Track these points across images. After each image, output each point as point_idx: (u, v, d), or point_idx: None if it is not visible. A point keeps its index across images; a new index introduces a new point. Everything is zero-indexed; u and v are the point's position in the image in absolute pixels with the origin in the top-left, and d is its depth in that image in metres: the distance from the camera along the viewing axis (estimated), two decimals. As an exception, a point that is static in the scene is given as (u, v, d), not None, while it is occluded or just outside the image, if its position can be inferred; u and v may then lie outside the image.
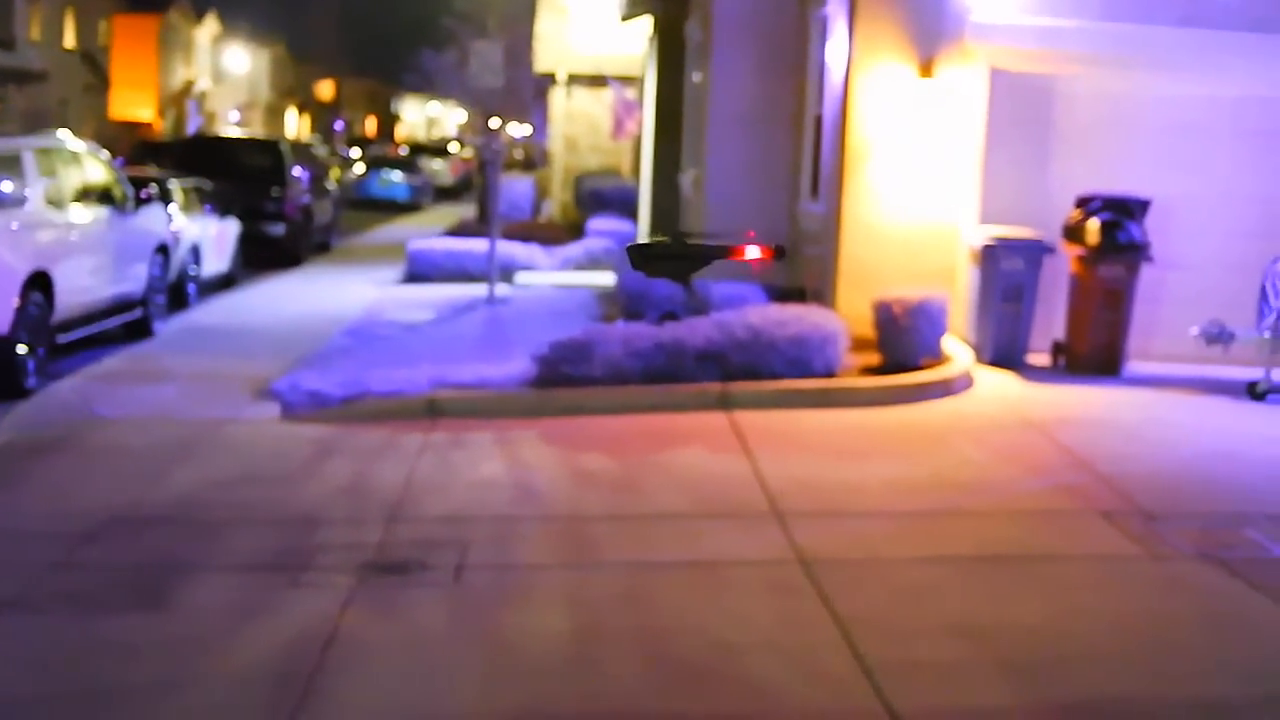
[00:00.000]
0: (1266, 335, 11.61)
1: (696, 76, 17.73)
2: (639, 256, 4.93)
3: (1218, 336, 11.59)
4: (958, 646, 5.81)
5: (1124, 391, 11.54)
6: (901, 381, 11.01)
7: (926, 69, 12.50)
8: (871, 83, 12.56)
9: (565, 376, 10.56)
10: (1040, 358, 12.42)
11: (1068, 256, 12.34)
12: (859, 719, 5.11)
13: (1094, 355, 12.19)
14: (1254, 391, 11.52)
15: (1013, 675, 5.53)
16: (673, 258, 4.89)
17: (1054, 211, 12.48)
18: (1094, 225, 12.00)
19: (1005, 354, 12.21)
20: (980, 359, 12.11)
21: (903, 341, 11.57)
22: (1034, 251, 12.13)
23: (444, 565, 6.73)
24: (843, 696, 5.29)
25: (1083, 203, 12.23)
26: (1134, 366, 12.26)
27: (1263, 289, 11.88)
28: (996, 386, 11.47)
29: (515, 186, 30.99)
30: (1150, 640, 6.02)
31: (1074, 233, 12.24)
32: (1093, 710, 5.23)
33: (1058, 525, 7.75)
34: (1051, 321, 12.43)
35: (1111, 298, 12.17)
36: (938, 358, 11.69)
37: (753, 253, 4.49)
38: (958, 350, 12.06)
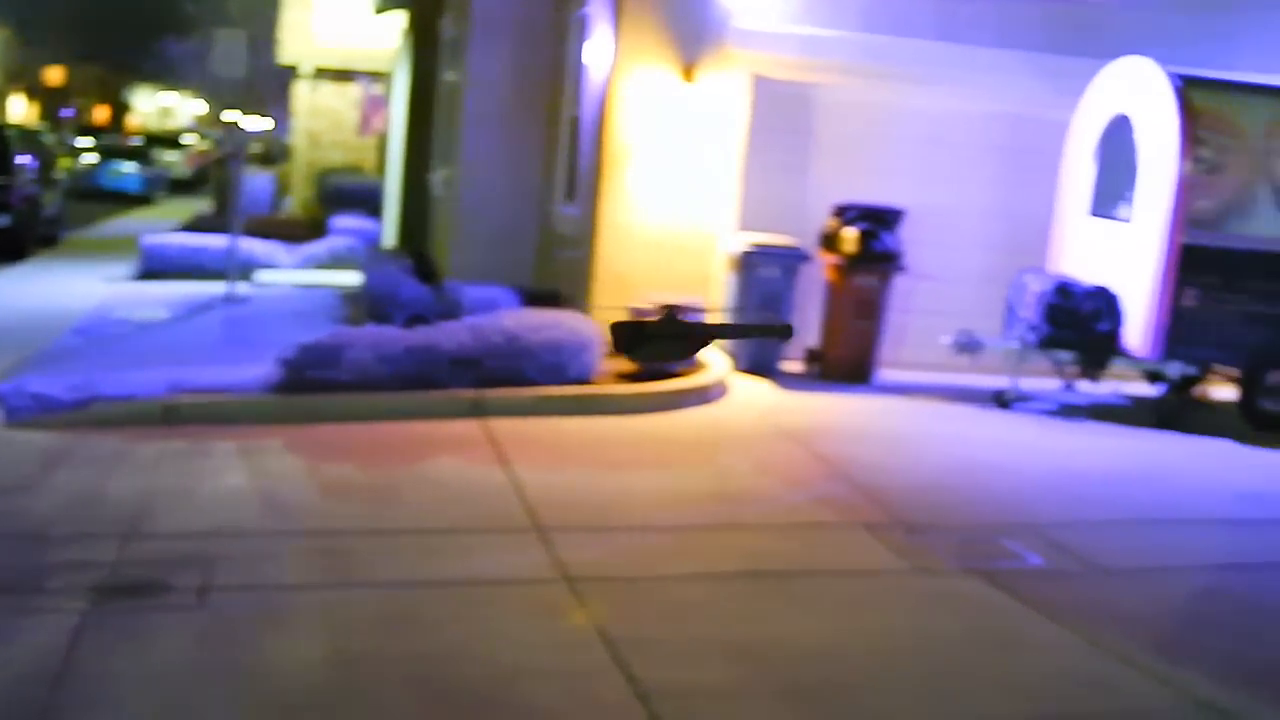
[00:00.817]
0: (1013, 345, 11.84)
1: (450, 74, 17.34)
2: (631, 338, 4.27)
3: (967, 346, 11.76)
4: (733, 669, 5.62)
5: (877, 400, 11.62)
6: (658, 389, 10.84)
7: (689, 74, 12.38)
8: (633, 86, 12.39)
9: (312, 381, 10.08)
10: (795, 365, 12.44)
11: (824, 264, 12.39)
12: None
13: (847, 363, 12.27)
14: (1001, 400, 11.73)
15: (791, 700, 5.35)
16: (670, 338, 4.27)
17: (812, 219, 12.52)
18: (850, 234, 12.07)
19: (761, 361, 12.18)
20: (736, 366, 12.05)
21: (658, 348, 11.42)
22: (791, 259, 12.14)
23: (187, 586, 6.25)
24: (620, 727, 5.05)
25: (840, 212, 12.29)
26: (886, 374, 12.38)
27: (1009, 301, 12.12)
28: (752, 394, 11.41)
29: (255, 181, 30.02)
30: (926, 660, 5.93)
31: (830, 241, 12.29)
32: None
33: (822, 539, 7.65)
34: (806, 329, 12.45)
35: (865, 306, 12.26)
36: (694, 365, 11.58)
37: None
38: (714, 357, 11.97)
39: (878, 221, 12.18)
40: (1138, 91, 11.69)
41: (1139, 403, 12.23)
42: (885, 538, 7.66)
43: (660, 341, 3.96)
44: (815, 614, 6.39)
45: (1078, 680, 5.79)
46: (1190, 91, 11.25)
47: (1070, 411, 11.79)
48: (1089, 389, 12.35)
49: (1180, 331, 11.28)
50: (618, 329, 3.93)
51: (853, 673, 5.70)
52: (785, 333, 4.43)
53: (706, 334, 4.14)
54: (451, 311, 12.40)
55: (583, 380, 10.79)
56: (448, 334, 10.67)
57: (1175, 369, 11.45)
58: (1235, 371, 11.63)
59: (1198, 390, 12.08)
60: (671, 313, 3.91)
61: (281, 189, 31.84)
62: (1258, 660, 6.17)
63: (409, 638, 5.81)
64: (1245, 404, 11.52)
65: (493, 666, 5.52)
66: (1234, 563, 7.71)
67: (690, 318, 11.39)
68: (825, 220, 12.40)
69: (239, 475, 8.27)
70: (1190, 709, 5.55)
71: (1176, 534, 8.23)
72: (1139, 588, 7.14)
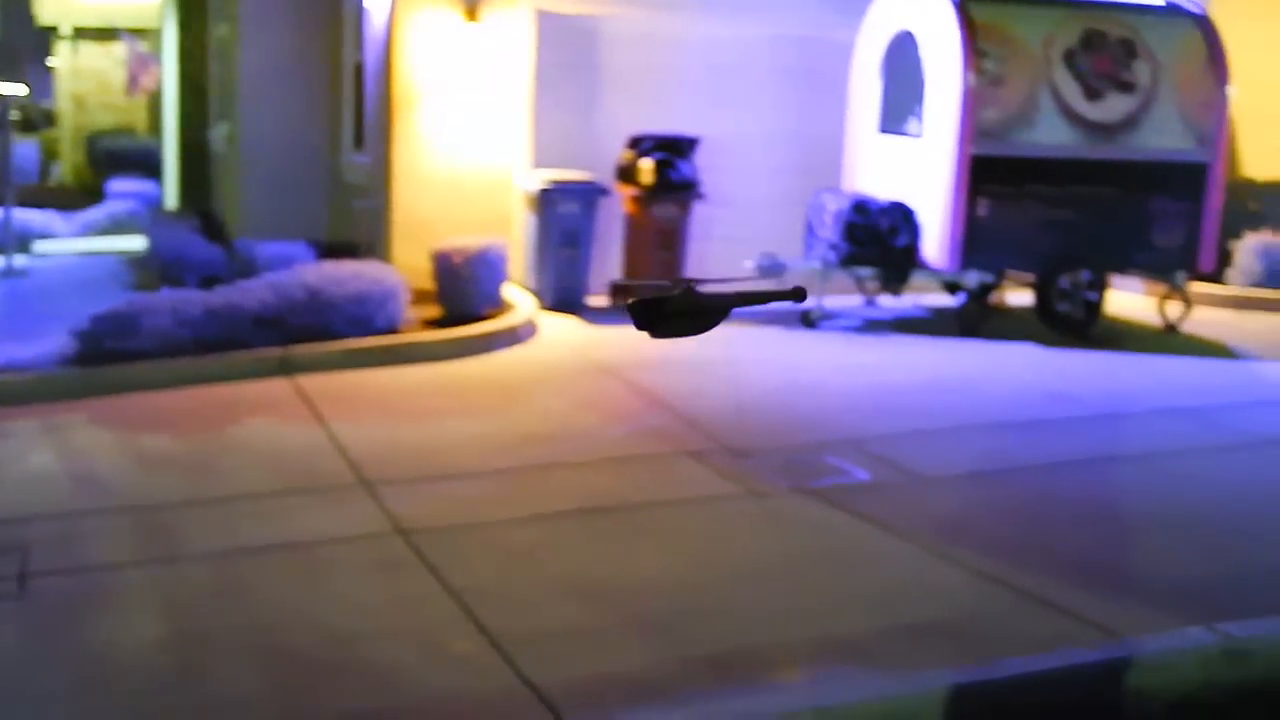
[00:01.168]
0: (815, 266, 11.97)
1: (223, 26, 16.79)
2: (649, 315, 3.90)
3: (770, 269, 11.84)
4: (583, 609, 5.58)
5: (687, 329, 11.64)
6: (468, 333, 10.71)
7: (472, 13, 12.17)
8: (416, 28, 12.14)
9: (111, 352, 9.69)
10: (601, 299, 12.40)
11: (622, 197, 12.35)
12: (499, 698, 4.78)
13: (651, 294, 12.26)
14: (808, 320, 11.87)
15: (646, 634, 5.33)
16: (691, 314, 3.91)
17: (606, 153, 12.46)
18: (646, 165, 12.04)
19: (566, 298, 12.12)
20: (542, 304, 11.97)
21: (464, 292, 11.27)
22: (589, 194, 12.07)
23: (6, 574, 5.95)
24: (477, 676, 4.95)
25: (634, 143, 12.25)
26: (692, 303, 12.40)
27: (808, 222, 12.25)
28: (562, 332, 11.35)
29: (19, 150, 28.77)
30: (771, 582, 5.96)
31: (627, 173, 12.25)
32: (736, 660, 5.08)
33: (652, 471, 7.64)
34: (609, 262, 12.42)
35: (666, 236, 12.27)
36: (500, 306, 11.46)
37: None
38: (520, 297, 11.87)
39: (673, 151, 12.17)
40: (919, 8, 11.85)
41: (941, 314, 12.49)
42: (714, 464, 7.68)
43: (681, 318, 3.67)
44: (656, 546, 6.38)
45: (921, 589, 5.88)
46: (969, 6, 11.44)
47: (876, 327, 11.99)
48: (892, 303, 12.57)
49: (975, 241, 11.52)
50: (636, 308, 3.60)
51: (701, 601, 5.69)
52: (799, 295, 4.14)
53: (726, 305, 3.84)
54: (246, 270, 12.05)
55: (390, 330, 10.61)
56: (248, 293, 10.36)
57: (973, 278, 11.71)
58: (1031, 277, 11.93)
59: (996, 297, 12.38)
60: (689, 286, 3.60)
61: (48, 156, 30.58)
62: (1083, 554, 6.33)
63: (245, 607, 5.63)
64: (1042, 308, 11.84)
65: (336, 629, 5.37)
66: (1049, 462, 7.91)
67: (490, 260, 11.26)
68: (620, 153, 12.34)
69: (46, 454, 7.92)
70: (1030, 607, 5.67)
71: (990, 438, 8.41)
72: (962, 493, 7.29)
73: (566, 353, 10.62)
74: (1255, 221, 14.42)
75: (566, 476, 7.50)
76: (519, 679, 4.89)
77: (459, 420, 8.66)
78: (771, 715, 4.63)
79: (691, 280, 3.42)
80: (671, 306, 3.52)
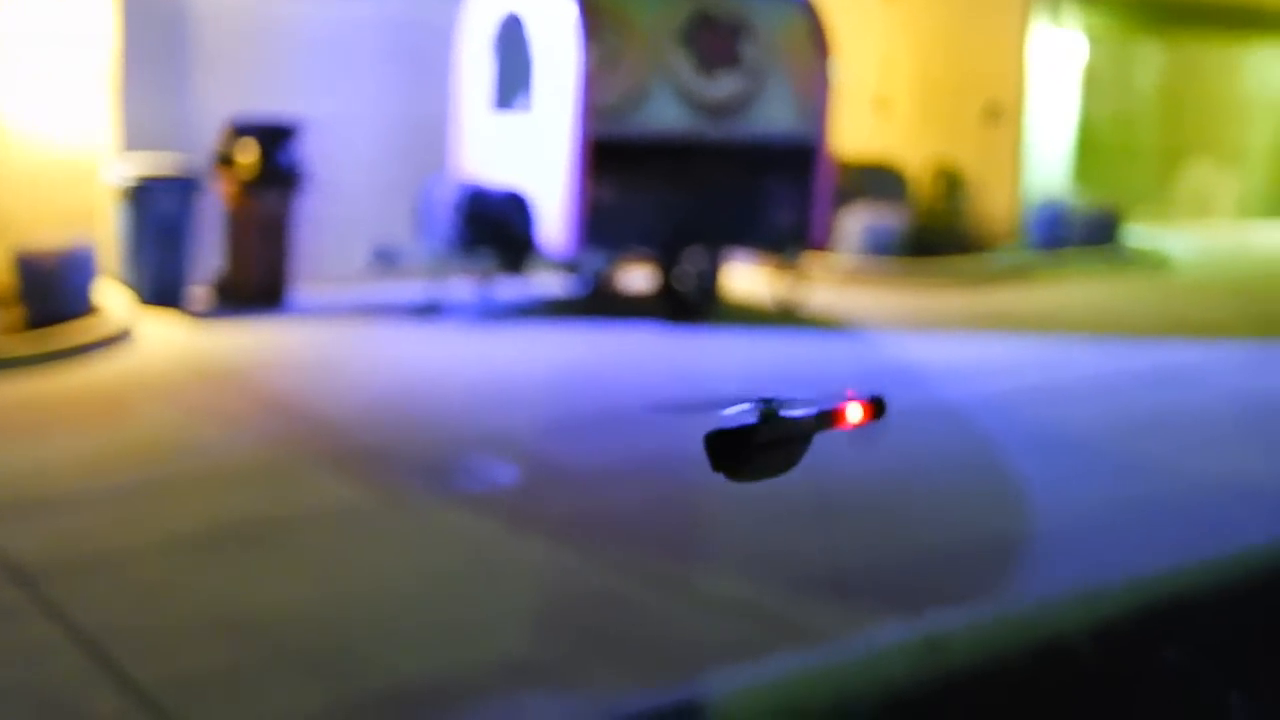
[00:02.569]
0: (431, 254, 11.53)
1: None
2: (736, 454, 3.06)
3: (385, 258, 11.35)
4: (234, 646, 4.99)
5: (300, 323, 11.01)
6: (59, 340, 9.76)
7: (47, -14, 11.13)
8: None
9: None
10: (204, 294, 11.61)
11: (223, 186, 11.57)
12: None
13: (258, 288, 11.55)
14: (427, 311, 11.41)
15: (310, 671, 4.79)
16: (780, 444, 3.10)
17: (205, 137, 11.65)
18: (248, 152, 11.31)
19: (167, 295, 11.27)
20: (142, 303, 11.09)
21: (52, 294, 10.26)
22: (186, 187, 11.24)
23: None
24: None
25: (235, 129, 11.48)
26: (304, 295, 11.76)
27: (423, 208, 11.79)
28: (166, 332, 10.53)
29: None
30: (428, 603, 5.51)
31: (228, 161, 11.48)
32: (415, 693, 4.62)
33: (284, 482, 7.04)
34: (212, 255, 11.63)
35: (270, 227, 11.56)
36: (93, 309, 10.53)
37: (855, 415, 2.90)
38: (115, 297, 10.95)
39: (276, 137, 11.47)
40: (529, -13, 11.57)
41: (562, 299, 12.24)
42: (349, 472, 7.16)
43: (771, 451, 2.94)
44: (301, 569, 5.82)
45: (593, 597, 5.56)
46: (583, -15, 11.22)
47: (496, 315, 11.64)
48: (511, 290, 12.26)
49: (594, 224, 11.32)
50: (715, 442, 2.79)
51: (362, 629, 5.20)
52: (879, 410, 3.26)
53: (814, 428, 3.05)
54: None
55: (-31, 340, 9.58)
56: None
57: (594, 261, 11.50)
58: (648, 257, 11.82)
59: (616, 280, 12.22)
60: (773, 409, 2.87)
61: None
62: (757, 548, 6.16)
63: None
64: (662, 289, 11.75)
65: (-56, 695, 4.63)
66: (692, 452, 7.72)
67: (80, 258, 10.33)
68: (221, 139, 11.56)
69: None
70: (705, 608, 5.44)
71: (627, 428, 8.19)
72: (613, 489, 7.02)
73: (172, 356, 9.83)
74: (854, 197, 14.83)
75: (193, 495, 6.82)
76: (173, 738, 4.29)
77: (57, 438, 7.81)
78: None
79: (769, 400, 2.78)
80: (762, 437, 2.83)
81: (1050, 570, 5.80)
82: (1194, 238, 17.95)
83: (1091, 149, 17.53)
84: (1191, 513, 6.59)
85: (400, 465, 7.29)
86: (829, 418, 2.90)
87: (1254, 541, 6.20)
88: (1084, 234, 15.59)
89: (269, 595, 5.49)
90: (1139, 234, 16.79)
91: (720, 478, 6.70)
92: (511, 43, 11.75)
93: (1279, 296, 13.95)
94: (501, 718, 4.43)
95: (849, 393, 2.88)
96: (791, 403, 2.82)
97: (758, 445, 2.77)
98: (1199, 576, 5.86)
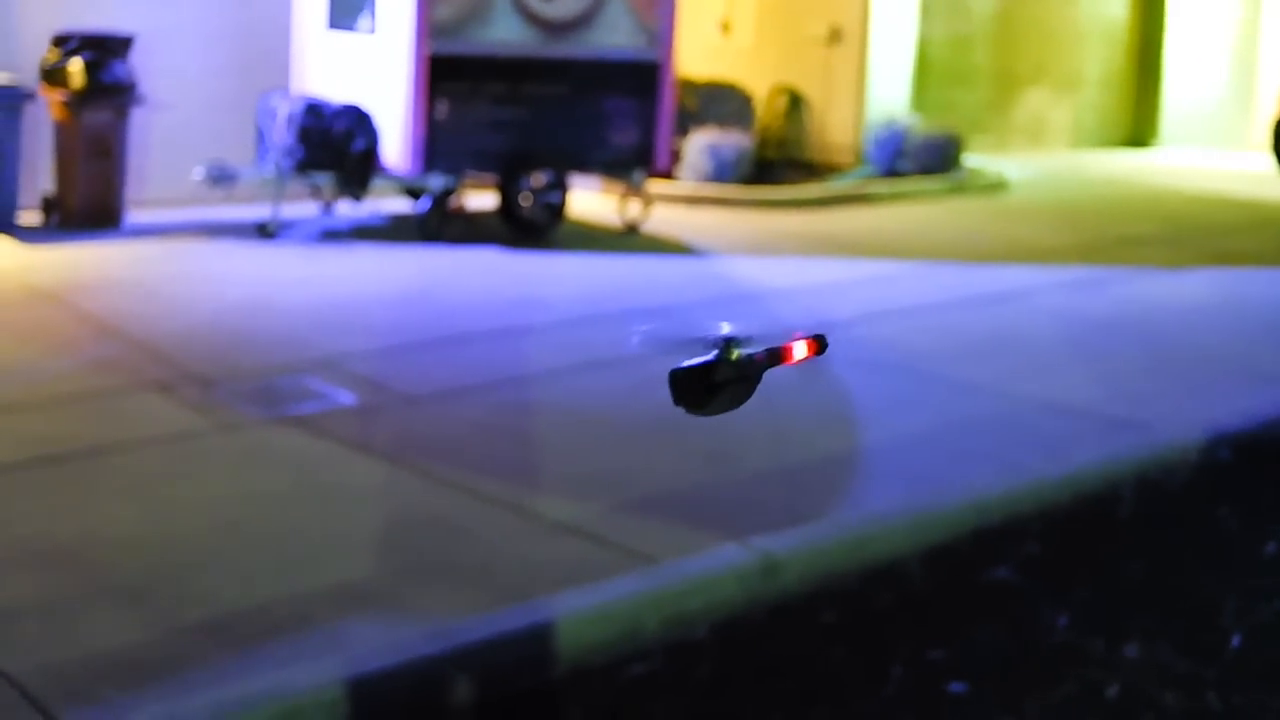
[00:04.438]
0: (268, 173, 11.25)
1: None
2: (698, 390, 2.99)
3: (220, 177, 11.04)
4: (50, 578, 4.83)
5: (132, 245, 10.69)
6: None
7: None
8: None
9: None
10: (32, 216, 11.21)
11: (49, 102, 11.15)
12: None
13: (89, 208, 11.17)
14: (265, 231, 11.16)
15: (129, 602, 4.66)
16: (735, 382, 3.05)
17: (28, 51, 11.20)
18: (75, 66, 10.91)
19: (-10, 215, 10.87)
20: (-39, 223, 10.69)
21: None
22: (11, 99, 10.80)
23: None
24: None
25: (60, 41, 11.06)
26: (136, 216, 11.42)
27: (259, 126, 11.49)
28: (-11, 254, 10.17)
29: None
30: (262, 527, 5.40)
31: (54, 75, 11.06)
32: (240, 624, 4.51)
33: (109, 408, 6.83)
34: (40, 175, 11.23)
35: (100, 144, 11.18)
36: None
37: (800, 352, 2.89)
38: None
39: (104, 50, 11.07)
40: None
41: (403, 220, 12.05)
42: (178, 396, 6.98)
43: (731, 386, 2.86)
44: (124, 497, 5.64)
45: (429, 520, 5.49)
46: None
47: (336, 236, 11.43)
48: (351, 211, 12.04)
49: (436, 144, 11.15)
50: (679, 379, 2.67)
51: (185, 556, 5.06)
52: (822, 346, 3.19)
53: (766, 365, 2.97)
54: None
55: None
56: None
57: (435, 182, 11.33)
58: (493, 179, 11.67)
59: (458, 201, 12.05)
60: (731, 348, 2.73)
61: None
62: (588, 470, 6.13)
63: None
64: (505, 211, 11.62)
65: None
66: (528, 373, 7.68)
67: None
68: (45, 52, 11.13)
69: None
70: (540, 532, 5.40)
71: (466, 350, 8.10)
72: (449, 411, 6.93)
73: (-5, 277, 9.50)
74: (696, 120, 14.78)
75: (10, 421, 6.58)
76: (-13, 673, 4.14)
77: None
78: (303, 691, 4.11)
79: (729, 340, 2.78)
80: (723, 375, 2.83)
81: (882, 492, 5.86)
82: (1030, 164, 18.25)
83: (930, 74, 17.69)
84: (1022, 434, 6.71)
85: (232, 389, 7.12)
86: (778, 355, 2.97)
87: (1081, 462, 6.36)
88: (923, 159, 15.72)
89: (88, 523, 5.33)
90: (977, 159, 17.01)
91: (552, 400, 6.69)
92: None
93: (1109, 222, 14.23)
94: (326, 645, 4.35)
95: (796, 334, 2.94)
96: (747, 341, 2.86)
97: (717, 382, 2.81)
98: (1027, 497, 5.99)
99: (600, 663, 4.60)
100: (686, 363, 2.84)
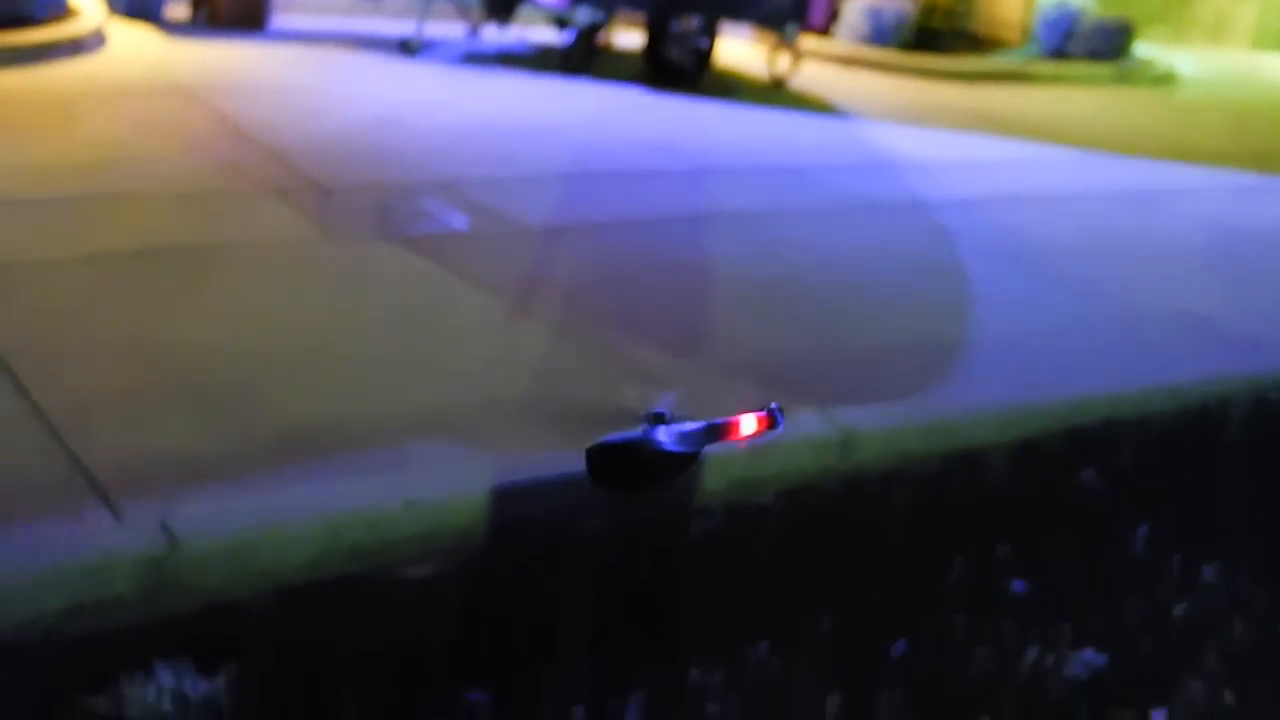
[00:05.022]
0: (418, -10, 11.19)
1: None
2: (618, 468, 2.85)
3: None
4: (136, 373, 4.87)
5: (277, 49, 10.72)
6: (20, 39, 9.49)
7: None
8: None
9: None
10: (180, 10, 11.28)
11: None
12: (45, 479, 4.07)
13: (236, 7, 11.23)
14: (408, 48, 11.13)
15: (205, 404, 4.68)
16: (664, 464, 2.88)
17: None
18: None
19: (141, 6, 10.95)
20: (113, 11, 10.77)
21: (22, -7, 9.98)
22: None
23: None
24: (19, 452, 4.23)
25: None
26: (282, 20, 11.44)
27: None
28: (135, 44, 10.26)
29: None
30: (351, 345, 5.38)
31: None
32: (308, 438, 4.52)
33: (227, 208, 6.88)
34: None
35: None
36: (63, 11, 10.23)
37: (749, 428, 2.68)
38: (87, 2, 10.63)
39: None
40: None
41: (548, 51, 11.92)
42: (296, 204, 7.00)
43: (655, 469, 2.57)
44: (220, 300, 5.67)
45: (518, 357, 5.45)
46: None
47: (478, 60, 11.35)
48: (497, 36, 11.94)
49: (589, -23, 10.98)
50: (598, 456, 2.49)
51: (269, 365, 5.08)
52: (773, 421, 2.81)
53: (700, 446, 2.60)
54: None
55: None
56: None
57: (583, 15, 11.15)
58: (642, 18, 11.47)
59: (604, 37, 11.88)
60: (658, 424, 2.48)
61: None
62: (689, 325, 6.04)
63: None
64: (651, 52, 11.43)
65: None
66: (649, 218, 7.58)
67: None
68: None
69: None
70: (627, 382, 5.34)
71: (591, 188, 8.02)
72: (561, 248, 6.87)
73: (140, 69, 9.57)
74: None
75: (126, 212, 6.65)
76: (65, 455, 4.20)
77: (2, 141, 7.63)
78: (362, 509, 4.12)
79: (658, 415, 2.57)
80: (645, 457, 2.59)
81: (978, 383, 5.70)
82: (1206, 60, 17.51)
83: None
84: (1135, 341, 6.47)
85: (352, 201, 7.13)
86: (720, 431, 2.71)
87: (1189, 376, 6.12)
88: (1093, 43, 15.17)
89: (180, 322, 5.37)
90: (1149, 50, 16.36)
91: (668, 250, 6.47)
92: None
93: (1281, 129, 13.64)
94: (389, 466, 4.35)
95: (739, 414, 2.69)
96: (679, 420, 2.64)
97: (641, 465, 2.58)
98: (1127, 405, 5.79)
99: (658, 516, 4.55)
100: (608, 438, 2.58)
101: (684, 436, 2.56)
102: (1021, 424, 5.45)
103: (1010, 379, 5.75)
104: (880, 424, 5.17)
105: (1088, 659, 4.15)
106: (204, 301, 5.62)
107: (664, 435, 2.54)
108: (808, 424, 5.02)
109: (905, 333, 6.20)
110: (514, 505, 4.32)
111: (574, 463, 4.40)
